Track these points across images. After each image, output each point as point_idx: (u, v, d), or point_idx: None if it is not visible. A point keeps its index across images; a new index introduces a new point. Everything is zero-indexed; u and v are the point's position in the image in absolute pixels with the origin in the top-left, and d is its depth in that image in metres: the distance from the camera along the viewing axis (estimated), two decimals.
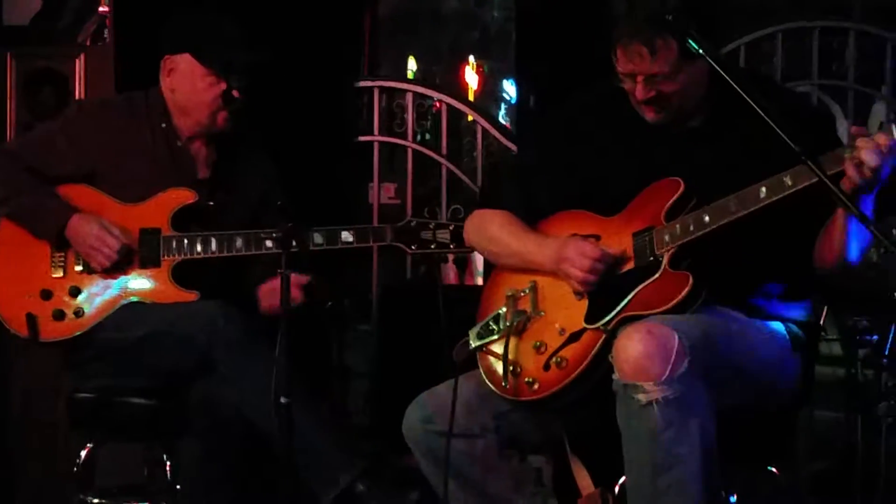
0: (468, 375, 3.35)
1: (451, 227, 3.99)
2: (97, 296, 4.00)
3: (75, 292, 3.99)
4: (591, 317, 3.21)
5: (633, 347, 3.00)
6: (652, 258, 3.19)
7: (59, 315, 3.98)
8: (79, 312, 3.98)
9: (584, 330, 3.21)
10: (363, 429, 5.43)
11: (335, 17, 5.74)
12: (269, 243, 3.94)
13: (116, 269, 3.98)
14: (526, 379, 3.25)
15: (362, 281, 5.68)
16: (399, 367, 5.33)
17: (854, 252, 3.13)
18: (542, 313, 3.31)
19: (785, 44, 5.68)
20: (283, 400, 3.30)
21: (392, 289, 5.74)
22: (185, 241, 3.99)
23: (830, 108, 6.47)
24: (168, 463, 4.07)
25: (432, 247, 4.00)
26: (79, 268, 4.01)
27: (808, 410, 4.69)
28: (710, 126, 3.28)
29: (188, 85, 4.06)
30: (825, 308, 3.52)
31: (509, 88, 14.65)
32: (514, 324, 3.30)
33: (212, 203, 4.08)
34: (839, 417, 4.99)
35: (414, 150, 5.84)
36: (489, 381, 3.32)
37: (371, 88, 5.81)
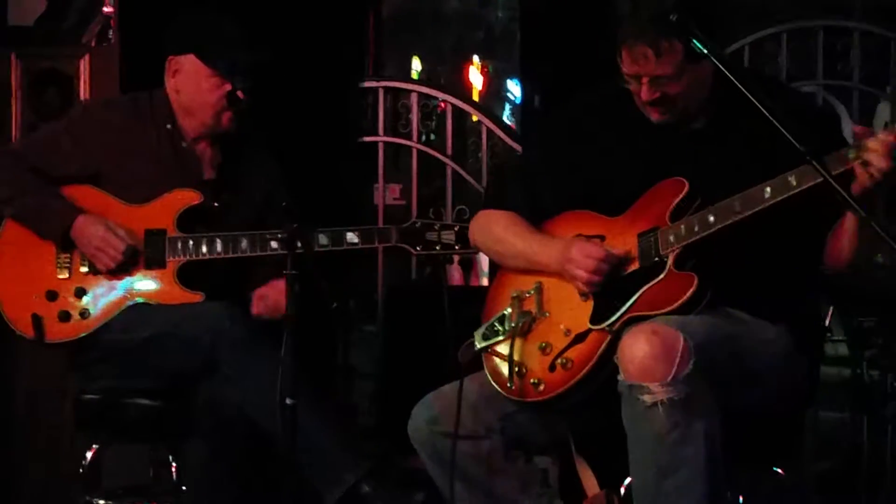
0: (474, 376, 3.35)
1: (455, 228, 3.98)
2: (102, 297, 4.00)
3: (81, 293, 3.99)
4: (596, 317, 3.21)
5: (638, 348, 3.00)
6: (657, 259, 3.19)
7: (65, 316, 3.98)
8: (84, 313, 3.98)
9: (589, 331, 3.21)
10: (368, 429, 5.43)
11: (339, 18, 5.74)
12: (274, 244, 3.94)
13: (122, 270, 3.98)
14: (531, 380, 3.25)
15: (367, 282, 5.68)
16: (404, 368, 5.32)
17: (863, 258, 3.14)
18: (548, 314, 3.31)
19: (789, 44, 5.68)
20: (288, 400, 3.30)
21: (397, 289, 5.74)
22: (191, 242, 3.99)
23: (835, 109, 6.47)
24: (174, 464, 4.07)
25: (437, 248, 4.00)
26: (84, 269, 4.01)
27: (813, 411, 4.68)
28: (715, 126, 3.28)
29: (193, 86, 4.06)
30: (830, 309, 3.52)
31: (514, 88, 14.67)
32: (520, 325, 3.30)
33: (217, 204, 4.08)
34: (845, 418, 4.99)
35: (419, 151, 5.84)
36: (494, 381, 3.31)
37: (376, 89, 5.81)
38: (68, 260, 4.02)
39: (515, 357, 3.26)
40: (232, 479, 3.88)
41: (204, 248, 3.98)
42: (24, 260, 4.03)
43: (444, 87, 7.28)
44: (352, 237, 3.98)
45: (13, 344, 4.39)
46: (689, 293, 3.10)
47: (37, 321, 3.96)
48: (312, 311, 3.44)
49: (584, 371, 3.17)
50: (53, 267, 4.02)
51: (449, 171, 5.74)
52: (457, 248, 3.99)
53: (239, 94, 4.02)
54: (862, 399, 4.75)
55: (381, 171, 5.82)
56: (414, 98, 5.82)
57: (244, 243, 3.97)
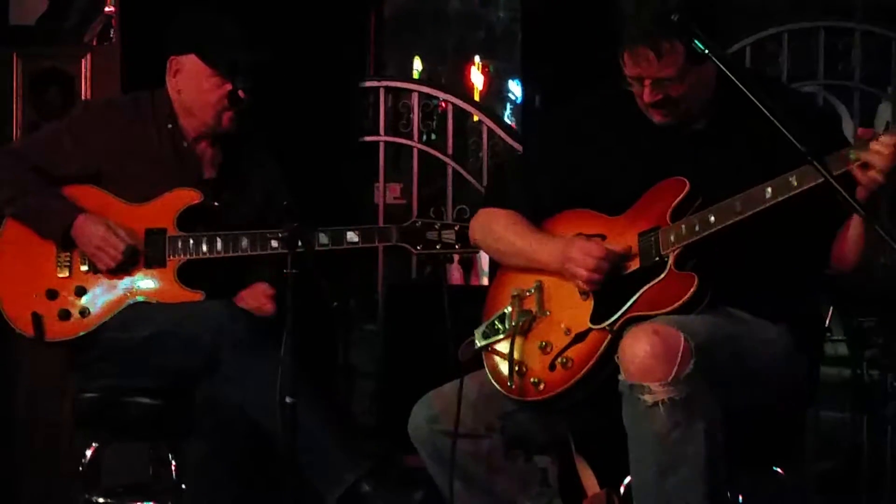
0: (474, 375, 3.35)
1: (456, 228, 3.98)
2: (102, 296, 4.00)
3: (81, 292, 4.00)
4: (596, 317, 3.21)
5: (639, 348, 3.00)
6: (657, 258, 3.19)
7: (65, 315, 3.98)
8: (84, 312, 3.98)
9: (589, 330, 3.21)
10: (368, 428, 5.42)
11: (340, 18, 5.74)
12: (274, 243, 3.94)
13: (122, 269, 3.98)
14: (532, 379, 3.25)
15: (368, 281, 5.68)
16: (405, 367, 5.32)
17: (872, 262, 3.14)
18: (548, 313, 3.31)
19: (790, 44, 5.68)
20: (288, 399, 3.30)
21: (397, 289, 5.74)
22: (191, 241, 3.99)
23: (836, 109, 6.47)
24: (173, 462, 4.07)
25: (437, 247, 4.00)
26: (84, 268, 4.01)
27: (814, 411, 4.69)
28: (716, 127, 3.28)
29: (194, 85, 4.06)
30: (831, 309, 3.52)
31: (515, 88, 14.67)
32: (520, 323, 3.30)
33: (217, 203, 4.08)
34: (845, 418, 5.00)
35: (419, 151, 5.83)
36: (495, 380, 3.32)
37: (377, 88, 5.81)
38: (68, 259, 4.02)
39: (515, 356, 3.26)
40: (232, 478, 3.88)
41: (204, 247, 3.98)
42: (24, 259, 4.03)
43: (444, 86, 7.27)
44: (352, 236, 3.98)
45: (13, 343, 4.39)
46: (689, 293, 3.10)
47: (37, 320, 3.96)
48: (313, 310, 3.44)
49: (585, 370, 3.17)
50: (54, 266, 4.02)
51: (449, 171, 5.74)
52: (457, 247, 3.99)
53: (240, 93, 4.03)
54: (862, 399, 4.76)
55: (381, 171, 5.82)
56: (415, 98, 5.82)
57: (245, 242, 3.97)
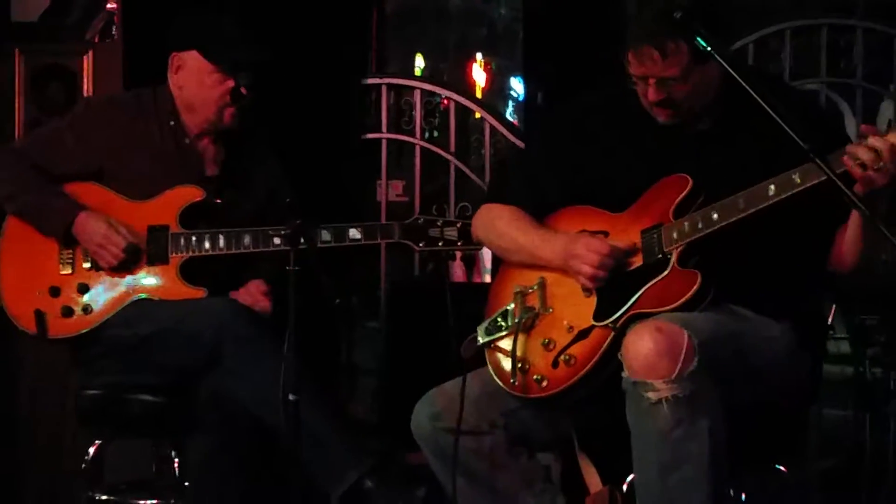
0: (477, 372, 3.35)
1: (458, 225, 3.98)
2: (105, 293, 4.00)
3: (83, 289, 4.00)
4: (599, 314, 3.21)
5: (642, 345, 3.00)
6: (660, 255, 3.19)
7: (68, 312, 3.98)
8: (87, 309, 3.98)
9: (592, 327, 3.21)
10: (371, 425, 5.43)
11: (342, 15, 5.74)
12: (277, 240, 3.94)
13: (123, 267, 3.98)
14: (534, 376, 3.25)
15: (370, 278, 5.68)
16: (407, 364, 5.33)
17: (871, 261, 3.13)
18: (551, 310, 3.31)
19: (792, 41, 5.67)
20: (291, 397, 3.30)
21: (400, 286, 5.74)
22: (194, 238, 3.99)
23: (839, 106, 6.47)
24: (176, 459, 4.07)
25: (440, 244, 4.00)
26: (87, 265, 4.01)
27: (816, 409, 4.69)
28: (720, 126, 3.27)
29: (195, 82, 4.06)
30: (833, 306, 3.52)
31: (517, 86, 14.67)
32: (523, 320, 3.30)
33: (219, 200, 4.08)
34: (848, 416, 4.99)
35: (422, 148, 5.83)
36: (497, 377, 3.32)
37: (379, 86, 5.81)
38: (71, 256, 4.02)
39: (518, 353, 3.26)
40: (235, 474, 3.87)
41: (207, 244, 3.98)
42: (27, 256, 4.03)
43: (447, 83, 7.26)
44: (354, 233, 3.98)
45: (16, 340, 4.40)
46: (692, 291, 3.10)
47: (39, 317, 3.96)
48: (315, 307, 3.44)
49: (587, 368, 3.17)
50: (56, 263, 4.02)
51: (452, 168, 5.73)
52: (459, 244, 3.99)
53: (241, 90, 4.03)
54: (865, 397, 4.76)
55: (384, 168, 5.82)
56: (417, 95, 5.82)
57: (247, 239, 3.97)
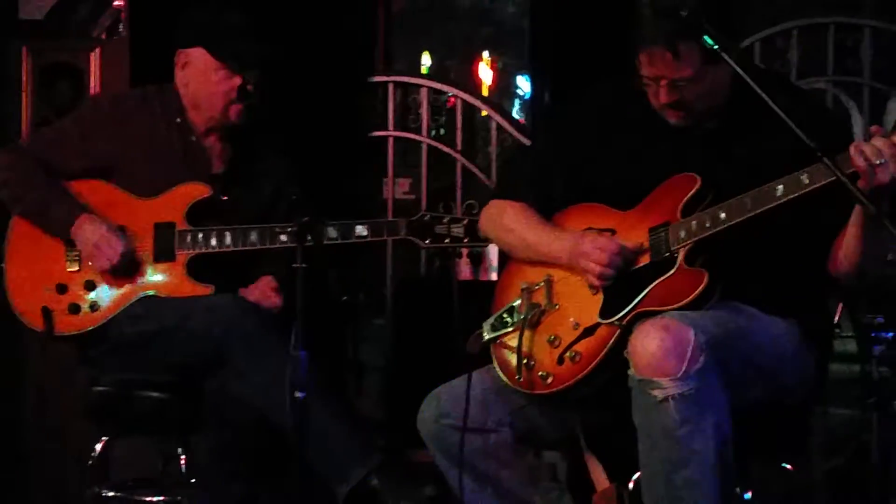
0: (483, 370, 3.35)
1: (465, 222, 3.98)
2: (112, 290, 4.01)
3: (90, 286, 4.00)
4: (605, 311, 3.21)
5: (649, 343, 3.00)
6: (667, 254, 3.18)
7: (75, 309, 3.99)
8: (94, 306, 3.99)
9: (598, 324, 3.21)
10: (377, 423, 5.43)
11: (349, 12, 5.74)
12: (283, 237, 3.94)
13: (120, 272, 3.97)
14: (540, 372, 3.25)
15: (377, 276, 5.68)
16: (413, 362, 5.33)
17: (870, 263, 3.13)
18: (557, 307, 3.31)
19: (799, 40, 5.66)
20: (297, 394, 3.30)
21: (406, 283, 5.74)
22: (200, 235, 3.99)
23: (846, 105, 6.45)
24: (183, 456, 4.07)
25: (446, 241, 3.99)
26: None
27: (822, 408, 4.68)
28: (729, 126, 3.27)
29: (201, 78, 4.07)
30: (840, 305, 3.52)
31: (523, 84, 14.67)
32: (529, 316, 3.30)
33: (226, 198, 4.09)
34: (854, 415, 4.99)
35: (428, 146, 5.83)
36: (503, 373, 3.32)
37: (385, 83, 5.80)
38: (78, 253, 4.02)
39: (524, 349, 3.26)
40: (241, 471, 3.88)
41: (213, 241, 3.98)
42: (34, 253, 4.04)
43: (453, 81, 7.27)
44: (361, 230, 3.98)
45: (23, 337, 4.41)
46: (698, 290, 3.10)
47: (46, 314, 3.97)
48: (322, 304, 3.45)
49: (593, 365, 3.17)
50: (63, 260, 4.03)
51: (458, 166, 5.73)
52: (466, 240, 3.98)
53: (248, 87, 4.03)
54: (871, 396, 4.74)
55: (390, 166, 5.81)
56: (424, 93, 5.81)
57: (254, 236, 3.98)
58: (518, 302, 3.34)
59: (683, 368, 2.96)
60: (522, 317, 3.30)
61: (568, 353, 3.22)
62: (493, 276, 7.08)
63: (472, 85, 13.40)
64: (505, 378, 3.31)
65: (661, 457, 3.01)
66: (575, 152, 3.44)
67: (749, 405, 3.11)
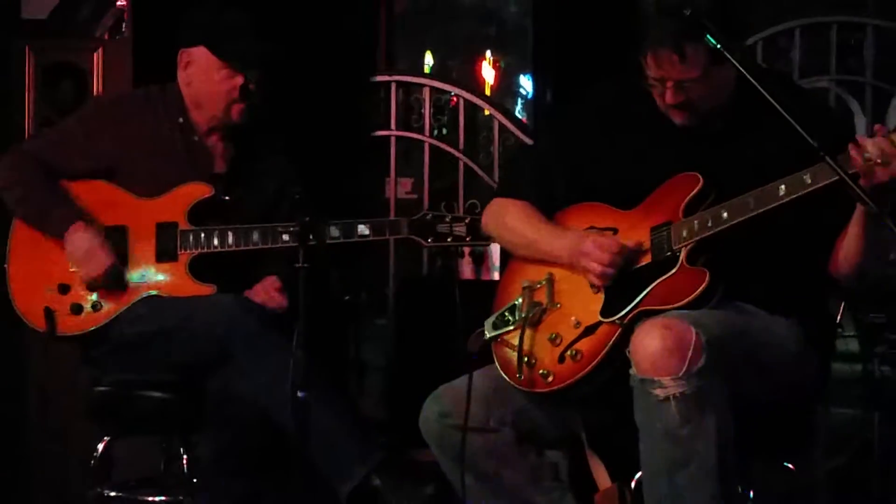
0: (485, 370, 3.35)
1: (467, 220, 3.98)
2: (114, 290, 4.00)
3: (93, 287, 4.00)
4: (606, 310, 3.21)
5: (650, 342, 3.00)
6: (669, 253, 3.19)
7: (77, 309, 3.98)
8: (96, 306, 3.99)
9: (599, 323, 3.21)
10: (379, 422, 5.43)
11: (351, 12, 5.74)
12: (285, 237, 3.94)
13: (102, 286, 3.96)
14: (540, 371, 3.25)
15: (379, 275, 5.68)
16: (415, 362, 5.33)
17: (870, 264, 3.14)
18: (558, 305, 3.31)
19: (802, 39, 5.66)
20: (299, 393, 3.30)
21: (409, 283, 5.74)
22: (202, 234, 3.99)
23: (849, 104, 6.46)
24: (185, 456, 4.08)
25: (448, 240, 3.99)
26: None
27: (825, 407, 4.68)
28: (732, 125, 3.27)
29: (203, 77, 4.07)
30: (842, 305, 3.52)
31: (525, 83, 14.66)
32: (530, 315, 3.30)
33: (228, 197, 4.08)
34: (856, 414, 4.99)
35: (431, 145, 5.83)
36: (504, 371, 3.32)
37: (388, 83, 5.80)
38: None
39: (525, 347, 3.26)
40: (243, 471, 3.88)
41: (216, 241, 3.98)
42: (37, 254, 4.03)
43: (456, 81, 7.26)
44: (363, 229, 3.98)
45: (25, 337, 4.41)
46: (700, 289, 3.10)
47: (49, 314, 3.97)
48: (324, 304, 3.44)
49: (593, 364, 3.17)
50: (66, 260, 4.02)
51: (461, 166, 5.73)
52: (468, 239, 3.98)
53: (250, 86, 4.03)
54: (873, 395, 4.75)
55: (392, 166, 5.81)
56: (426, 92, 5.81)
57: (256, 236, 3.98)
58: (520, 300, 3.34)
59: (685, 368, 2.96)
60: (524, 315, 3.30)
61: (569, 352, 3.22)
62: (496, 276, 7.09)
63: (475, 84, 13.39)
64: (506, 376, 3.31)
65: (662, 456, 3.01)
66: (578, 152, 3.44)
67: (751, 404, 3.11)
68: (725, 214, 3.12)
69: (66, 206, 4.01)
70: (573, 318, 3.25)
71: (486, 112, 6.00)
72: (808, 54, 5.75)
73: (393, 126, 5.78)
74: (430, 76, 7.49)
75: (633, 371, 3.04)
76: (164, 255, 4.00)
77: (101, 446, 4.12)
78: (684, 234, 3.17)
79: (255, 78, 4.05)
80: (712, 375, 2.99)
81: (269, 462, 3.87)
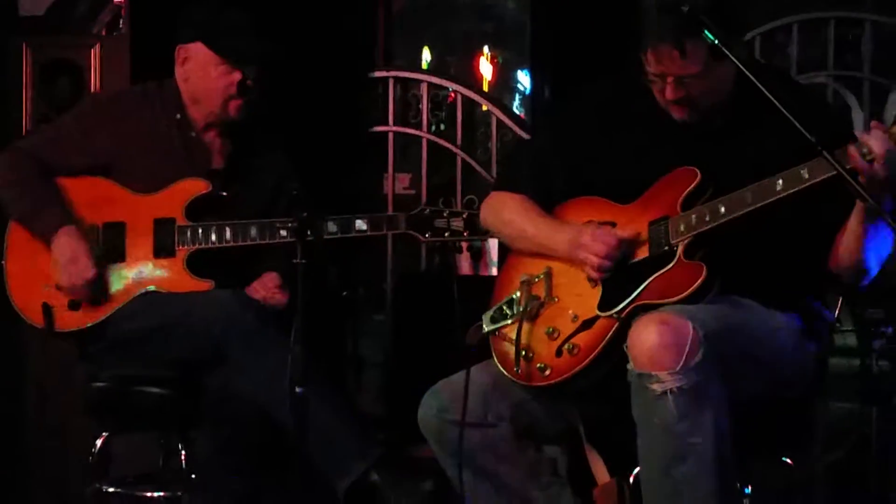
0: (483, 365, 3.35)
1: (464, 215, 3.98)
2: (112, 286, 4.00)
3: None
4: (604, 304, 3.21)
5: (648, 337, 3.00)
6: (667, 247, 3.19)
7: (75, 305, 3.98)
8: (94, 302, 3.99)
9: (597, 317, 3.21)
10: (378, 418, 5.44)
11: (349, 8, 5.74)
12: (283, 232, 3.94)
13: (82, 295, 3.95)
14: (538, 364, 3.25)
15: (376, 271, 5.68)
16: (413, 357, 5.33)
17: (871, 260, 3.14)
18: (556, 299, 3.31)
19: (800, 35, 5.66)
20: (297, 389, 3.30)
21: (406, 279, 5.74)
22: (200, 230, 3.99)
23: (846, 99, 6.45)
24: (183, 452, 4.08)
25: (446, 234, 4.00)
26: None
27: (822, 401, 4.68)
28: (730, 121, 3.27)
29: (201, 73, 4.07)
30: (840, 299, 3.52)
31: (523, 79, 14.65)
32: (528, 309, 3.30)
33: (226, 193, 4.09)
34: (854, 409, 4.98)
35: (429, 141, 5.83)
36: (501, 365, 3.32)
37: (386, 79, 5.80)
38: None
39: (523, 341, 3.26)
40: (241, 467, 3.88)
41: (213, 237, 3.99)
42: (34, 250, 4.03)
43: (453, 77, 7.26)
44: (360, 224, 3.98)
45: (23, 333, 4.40)
46: (697, 283, 3.10)
47: (47, 310, 3.97)
48: (322, 299, 3.44)
49: (591, 357, 3.18)
50: None
51: (459, 161, 5.73)
52: (465, 234, 3.98)
53: (248, 82, 4.03)
54: (871, 390, 4.75)
55: (390, 161, 5.81)
56: (424, 88, 5.81)
57: (253, 231, 3.98)
58: (518, 294, 3.34)
59: (682, 362, 2.96)
60: (521, 309, 3.30)
61: (566, 346, 3.22)
62: (494, 272, 7.09)
63: (473, 80, 13.37)
64: (503, 370, 3.31)
65: (660, 451, 3.02)
66: (576, 148, 3.44)
67: (748, 399, 3.11)
68: (723, 209, 3.12)
69: (56, 208, 4.00)
70: (571, 312, 3.26)
71: (484, 108, 6.00)
72: (805, 50, 5.75)
73: (391, 122, 5.79)
74: (428, 72, 7.46)
75: (630, 365, 3.04)
76: (162, 250, 4.01)
77: (99, 442, 4.12)
78: (682, 228, 3.17)
79: (252, 74, 4.05)
80: (709, 370, 2.99)
81: (268, 458, 3.87)
